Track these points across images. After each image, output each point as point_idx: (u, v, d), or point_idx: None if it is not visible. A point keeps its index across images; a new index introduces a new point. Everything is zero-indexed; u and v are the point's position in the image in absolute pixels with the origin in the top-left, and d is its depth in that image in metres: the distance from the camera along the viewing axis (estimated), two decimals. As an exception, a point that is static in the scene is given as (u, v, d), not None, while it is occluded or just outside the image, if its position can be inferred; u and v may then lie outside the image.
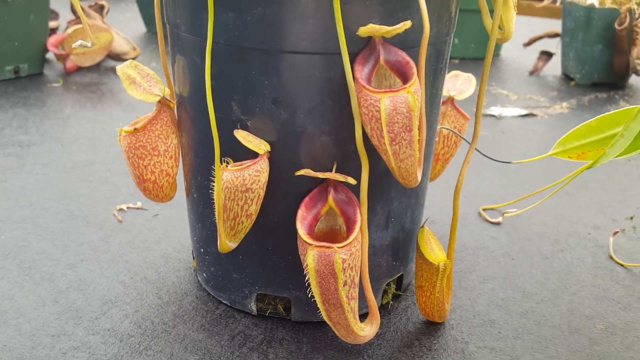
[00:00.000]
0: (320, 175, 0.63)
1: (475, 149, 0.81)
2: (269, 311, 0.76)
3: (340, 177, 0.63)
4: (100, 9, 1.91)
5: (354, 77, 0.60)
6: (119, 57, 1.79)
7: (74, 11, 1.75)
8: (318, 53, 0.61)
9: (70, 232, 0.93)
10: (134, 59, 1.82)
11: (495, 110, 1.57)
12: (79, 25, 1.71)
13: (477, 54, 2.12)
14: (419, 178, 0.64)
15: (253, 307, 0.75)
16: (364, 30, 0.59)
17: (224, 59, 0.64)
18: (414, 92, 0.58)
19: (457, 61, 2.09)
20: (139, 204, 1.01)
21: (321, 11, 0.59)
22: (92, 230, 0.93)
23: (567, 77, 1.95)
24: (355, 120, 0.60)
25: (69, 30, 1.75)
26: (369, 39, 0.61)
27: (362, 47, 0.61)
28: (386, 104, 0.57)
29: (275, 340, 0.72)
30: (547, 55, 1.98)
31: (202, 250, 0.77)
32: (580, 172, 0.80)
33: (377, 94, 0.58)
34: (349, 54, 0.60)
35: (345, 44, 0.57)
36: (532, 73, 1.97)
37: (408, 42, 0.63)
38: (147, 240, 0.91)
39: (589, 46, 1.80)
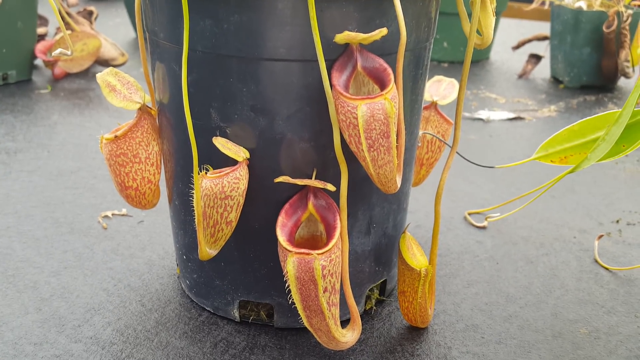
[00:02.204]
0: (298, 182, 0.63)
1: (458, 153, 0.81)
2: (252, 318, 0.76)
3: (318, 184, 0.63)
4: (89, 14, 1.91)
5: (331, 84, 0.60)
6: (107, 63, 1.79)
7: (62, 17, 1.74)
8: (295, 60, 0.61)
9: (54, 239, 0.93)
10: (122, 64, 1.82)
11: (483, 113, 1.57)
12: (68, 32, 1.71)
13: (466, 58, 2.12)
14: (399, 184, 0.64)
15: (236, 313, 0.75)
16: (340, 38, 0.59)
17: (202, 66, 0.64)
18: (391, 98, 0.58)
19: (446, 65, 2.09)
20: (124, 211, 1.01)
21: (298, 18, 0.59)
22: (76, 238, 0.93)
23: (556, 80, 1.95)
24: (334, 127, 0.60)
25: (57, 37, 1.75)
26: (347, 46, 0.61)
27: (339, 54, 0.61)
28: (363, 111, 0.57)
29: (257, 347, 0.72)
30: (536, 58, 1.98)
31: (184, 257, 0.77)
32: (561, 178, 0.80)
33: (354, 100, 0.58)
34: (327, 61, 0.60)
35: (321, 51, 0.57)
36: (521, 76, 1.97)
37: (386, 49, 0.63)
38: (132, 247, 0.91)
39: (578, 49, 1.81)
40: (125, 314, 0.77)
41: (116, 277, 0.84)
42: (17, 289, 0.81)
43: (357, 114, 0.58)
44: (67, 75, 1.76)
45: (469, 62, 0.67)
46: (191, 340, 0.73)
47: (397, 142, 0.63)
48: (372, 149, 0.59)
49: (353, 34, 0.58)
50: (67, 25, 1.75)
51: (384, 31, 0.58)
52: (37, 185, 1.09)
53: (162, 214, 1.00)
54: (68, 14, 1.75)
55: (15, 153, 1.23)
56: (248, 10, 0.60)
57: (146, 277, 0.84)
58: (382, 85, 0.61)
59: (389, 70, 0.60)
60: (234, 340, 0.73)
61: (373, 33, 0.58)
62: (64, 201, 1.04)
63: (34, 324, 0.74)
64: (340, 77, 0.60)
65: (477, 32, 0.71)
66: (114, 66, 1.81)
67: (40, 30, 1.84)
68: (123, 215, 1.00)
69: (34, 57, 1.71)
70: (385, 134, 0.59)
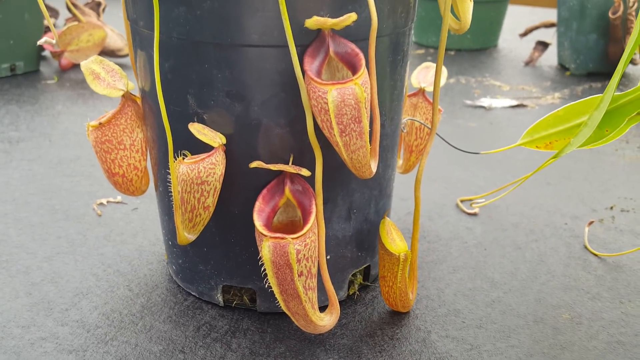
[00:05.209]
0: (272, 167, 0.63)
1: (438, 134, 0.81)
2: (235, 302, 0.77)
3: (292, 169, 0.64)
4: (96, 6, 1.93)
5: (303, 70, 0.60)
6: (113, 54, 1.81)
7: (69, 9, 1.76)
8: (268, 46, 0.62)
9: (49, 226, 0.94)
10: (128, 54, 1.83)
11: (485, 101, 1.57)
12: (74, 23, 1.72)
13: (472, 45, 2.11)
14: (374, 169, 0.65)
15: (219, 298, 0.76)
16: (310, 23, 0.59)
17: (178, 53, 0.64)
18: (361, 83, 0.58)
19: (452, 52, 2.08)
20: (118, 198, 1.02)
21: (269, 4, 0.60)
22: (70, 224, 0.95)
23: (562, 67, 1.94)
24: (307, 113, 0.61)
25: (64, 28, 1.77)
26: (319, 32, 0.62)
27: (312, 40, 0.62)
28: (334, 96, 0.58)
29: (239, 331, 0.73)
30: (543, 45, 1.97)
31: (170, 242, 0.78)
32: (546, 165, 0.80)
33: (325, 86, 0.58)
34: (300, 46, 0.61)
35: (292, 36, 0.58)
36: (527, 63, 1.96)
37: (360, 34, 0.64)
38: (124, 233, 0.93)
39: (584, 35, 1.79)
40: (113, 298, 0.78)
41: (106, 263, 0.85)
42: (10, 274, 0.82)
43: (327, 99, 0.58)
44: (74, 66, 1.78)
45: (444, 45, 0.67)
46: (175, 324, 0.74)
47: (372, 127, 0.64)
48: (344, 134, 0.60)
49: (322, 19, 0.59)
50: (76, 17, 1.77)
51: (353, 16, 0.58)
52: (36, 174, 1.11)
53: (156, 201, 1.01)
54: (74, 4, 1.77)
55: (17, 142, 1.25)
56: (220, -4, 0.60)
57: (136, 262, 0.86)
58: (354, 70, 0.61)
59: (361, 56, 0.61)
60: (216, 324, 0.74)
61: (342, 18, 0.58)
62: (61, 189, 1.06)
63: (23, 307, 0.76)
64: (312, 63, 0.61)
65: (456, 17, 0.72)
66: (120, 57, 1.82)
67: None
68: (118, 202, 1.02)
69: (42, 48, 1.73)
70: (357, 119, 0.59)
